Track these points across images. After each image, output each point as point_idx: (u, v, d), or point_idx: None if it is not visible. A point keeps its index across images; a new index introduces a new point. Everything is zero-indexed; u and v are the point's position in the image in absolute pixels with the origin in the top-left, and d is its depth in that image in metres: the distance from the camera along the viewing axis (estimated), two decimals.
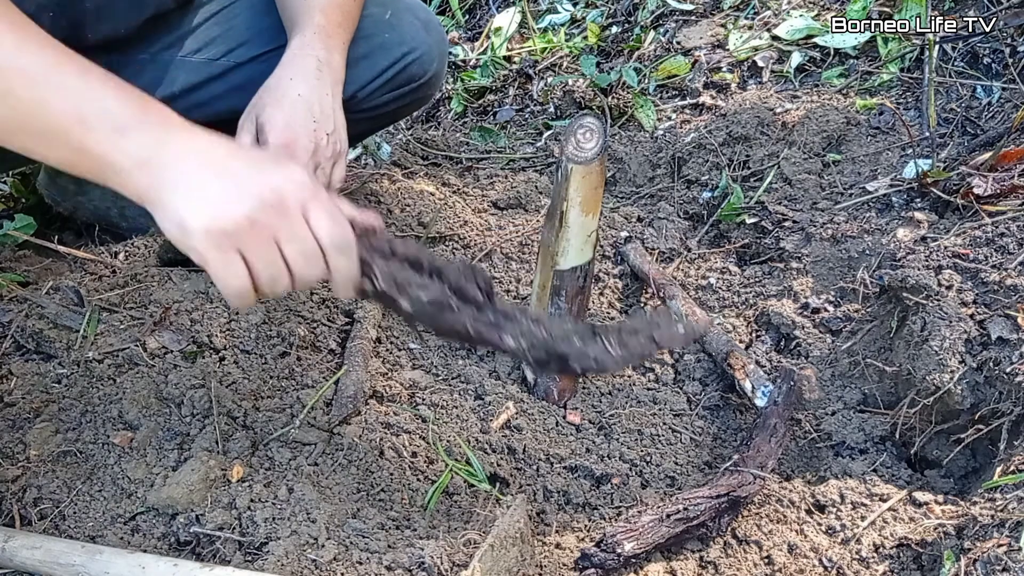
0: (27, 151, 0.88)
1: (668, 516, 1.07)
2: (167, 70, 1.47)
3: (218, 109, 1.51)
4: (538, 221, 1.80)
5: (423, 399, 1.33)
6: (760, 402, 1.27)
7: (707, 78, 2.25)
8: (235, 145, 0.94)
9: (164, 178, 0.86)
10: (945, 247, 1.39)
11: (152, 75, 1.47)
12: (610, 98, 2.30)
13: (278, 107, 1.27)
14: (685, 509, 1.08)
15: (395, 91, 1.58)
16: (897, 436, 1.28)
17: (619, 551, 1.04)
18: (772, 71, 2.18)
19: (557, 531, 1.15)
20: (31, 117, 0.85)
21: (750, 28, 2.30)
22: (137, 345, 1.35)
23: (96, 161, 0.86)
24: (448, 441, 1.26)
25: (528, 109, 2.55)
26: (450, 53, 2.76)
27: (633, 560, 1.07)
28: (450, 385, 1.38)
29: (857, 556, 1.10)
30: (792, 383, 1.26)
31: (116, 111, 0.87)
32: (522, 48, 2.69)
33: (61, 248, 1.58)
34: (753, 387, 1.29)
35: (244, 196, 0.87)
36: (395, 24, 1.55)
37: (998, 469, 1.12)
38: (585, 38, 2.61)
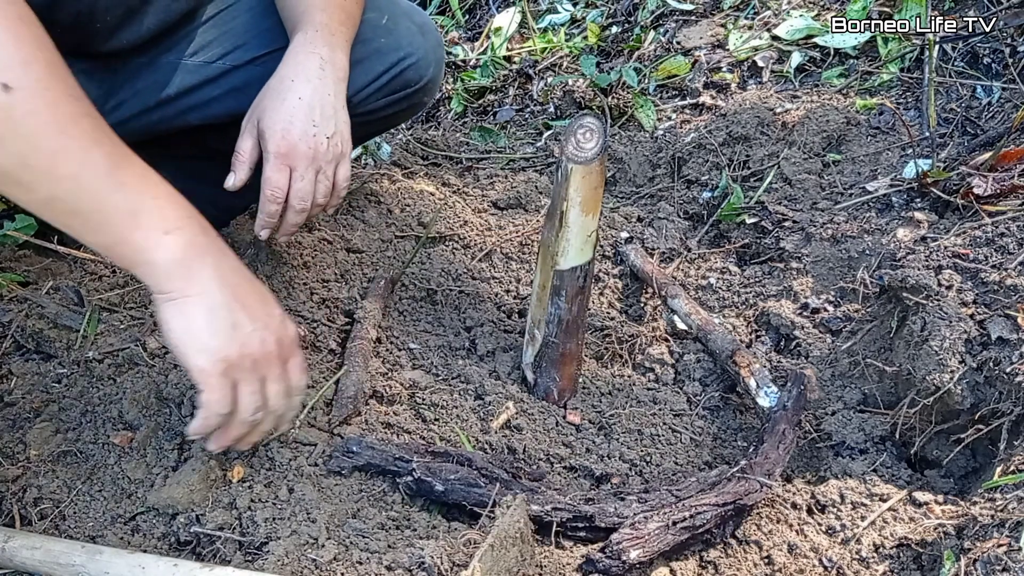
0: (68, 228, 0.94)
1: (674, 523, 1.06)
2: (164, 73, 1.46)
3: (215, 112, 1.50)
4: (538, 221, 1.80)
5: (423, 399, 1.33)
6: (763, 401, 1.27)
7: (707, 78, 2.25)
8: (251, 275, 1.05)
9: (192, 289, 0.96)
10: (945, 247, 1.39)
11: (149, 78, 1.46)
12: (610, 98, 2.30)
13: (277, 112, 1.27)
14: (691, 517, 1.07)
15: (390, 96, 1.56)
16: (897, 436, 1.28)
17: (624, 558, 1.02)
18: (772, 71, 2.18)
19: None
20: (88, 204, 0.92)
21: (750, 28, 2.30)
22: (137, 345, 1.35)
23: (135, 252, 0.94)
24: (448, 441, 1.26)
25: (528, 109, 2.55)
26: (450, 53, 2.76)
27: (637, 567, 1.05)
28: (450, 385, 1.38)
29: (857, 556, 1.10)
30: (802, 387, 1.26)
31: (167, 212, 0.95)
32: (522, 48, 2.69)
33: (61, 248, 1.58)
34: (757, 384, 1.29)
35: (254, 338, 0.99)
36: (391, 29, 1.53)
37: (998, 469, 1.12)
38: (585, 38, 2.61)
